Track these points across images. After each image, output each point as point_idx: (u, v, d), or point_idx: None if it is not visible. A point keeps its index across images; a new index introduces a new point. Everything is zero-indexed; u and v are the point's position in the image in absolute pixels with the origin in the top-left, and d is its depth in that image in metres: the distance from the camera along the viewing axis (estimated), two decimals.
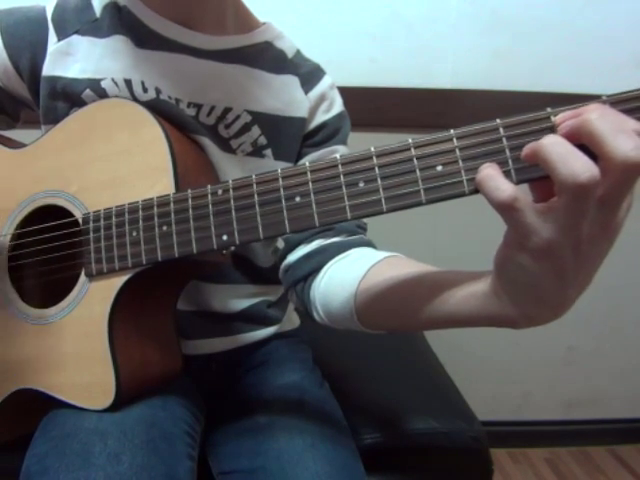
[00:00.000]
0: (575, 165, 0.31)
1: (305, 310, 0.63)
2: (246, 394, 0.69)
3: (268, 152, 0.65)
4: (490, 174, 0.35)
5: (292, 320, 0.81)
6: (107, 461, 0.47)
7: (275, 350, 0.74)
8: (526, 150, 0.35)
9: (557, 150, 0.32)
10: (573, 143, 0.33)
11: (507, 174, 0.36)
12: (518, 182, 0.36)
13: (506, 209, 0.34)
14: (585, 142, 0.32)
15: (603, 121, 0.31)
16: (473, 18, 1.16)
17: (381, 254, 0.56)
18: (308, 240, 0.62)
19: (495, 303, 0.39)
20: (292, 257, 0.64)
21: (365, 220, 0.65)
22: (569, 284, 0.36)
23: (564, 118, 0.34)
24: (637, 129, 0.32)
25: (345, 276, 0.55)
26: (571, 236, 0.33)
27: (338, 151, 0.67)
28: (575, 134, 0.33)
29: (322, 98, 0.67)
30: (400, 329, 0.52)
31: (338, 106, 0.70)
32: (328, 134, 0.67)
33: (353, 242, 0.61)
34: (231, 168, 0.63)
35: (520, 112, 0.36)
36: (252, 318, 0.72)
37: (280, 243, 0.66)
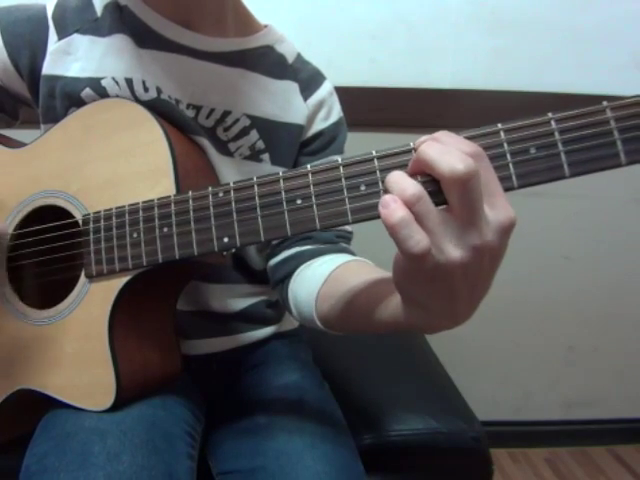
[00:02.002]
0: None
1: (288, 310, 0.65)
2: (246, 394, 0.69)
3: (265, 157, 0.65)
4: (406, 220, 0.34)
5: (292, 320, 0.81)
6: (107, 460, 0.47)
7: (275, 350, 0.75)
8: (410, 163, 0.37)
9: (434, 150, 0.35)
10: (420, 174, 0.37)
11: (508, 179, 0.36)
12: (519, 187, 0.36)
13: (422, 259, 0.34)
14: (426, 171, 0.36)
15: (430, 148, 0.35)
16: (473, 18, 1.16)
17: (343, 259, 0.58)
18: (288, 246, 0.65)
19: (404, 313, 0.41)
20: (273, 261, 0.66)
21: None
22: (456, 304, 0.37)
23: (420, 142, 0.37)
24: (468, 150, 0.34)
25: (309, 280, 0.58)
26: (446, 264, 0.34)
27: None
28: (418, 167, 0.36)
29: (320, 105, 0.68)
30: (351, 333, 0.55)
31: (336, 113, 0.70)
32: (325, 142, 0.68)
33: (326, 250, 0.63)
34: (228, 171, 0.63)
35: (519, 114, 0.36)
36: (251, 318, 0.72)
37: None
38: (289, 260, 0.64)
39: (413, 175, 0.37)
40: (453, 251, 0.34)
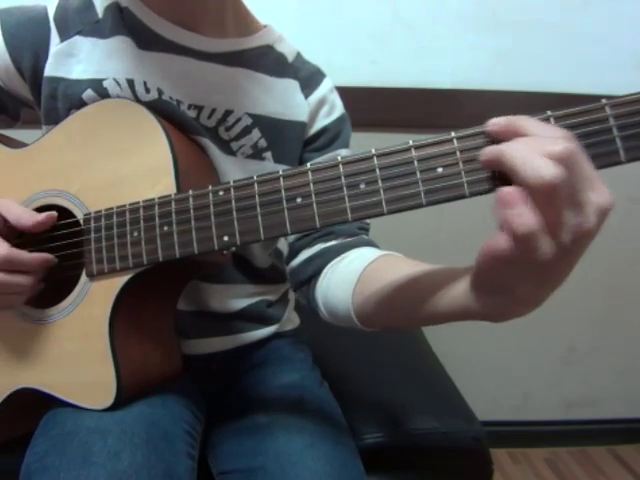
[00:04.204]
0: (538, 164, 0.31)
1: (311, 309, 0.64)
2: (246, 394, 0.69)
3: (268, 155, 0.65)
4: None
5: (292, 320, 0.81)
6: (107, 459, 0.47)
7: (275, 350, 0.75)
8: (484, 156, 0.35)
9: (518, 153, 0.32)
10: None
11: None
12: None
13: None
14: (504, 171, 0.33)
15: (514, 149, 0.33)
16: (473, 18, 1.16)
17: (375, 254, 0.57)
18: (310, 245, 0.64)
19: (474, 301, 0.39)
20: (295, 262, 0.66)
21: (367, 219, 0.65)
22: (551, 286, 0.36)
23: (494, 125, 0.36)
24: (559, 135, 0.33)
25: (342, 278, 0.57)
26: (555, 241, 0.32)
27: (341, 155, 0.68)
28: (494, 164, 0.34)
29: (322, 102, 0.68)
30: (394, 328, 0.54)
31: (338, 109, 0.70)
32: (330, 138, 0.68)
33: (352, 243, 0.62)
34: (231, 170, 0.63)
35: (519, 114, 0.36)
36: (252, 317, 0.72)
37: (284, 248, 0.67)
38: (314, 259, 0.63)
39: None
40: (566, 237, 0.32)
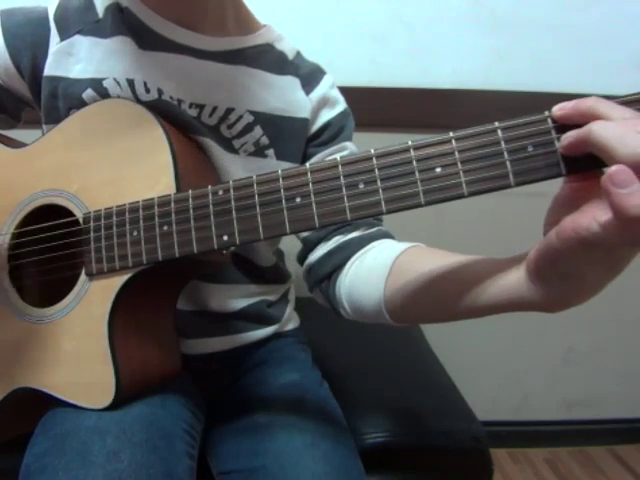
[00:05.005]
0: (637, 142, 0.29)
1: (331, 307, 0.63)
2: (246, 394, 0.69)
3: (270, 152, 0.65)
4: None
5: (292, 320, 0.81)
6: (106, 459, 0.47)
7: (275, 350, 0.75)
8: (569, 139, 0.34)
9: (612, 132, 0.30)
10: (580, 154, 0.33)
11: (505, 177, 0.36)
12: (516, 184, 0.36)
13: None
14: (595, 153, 0.32)
15: (605, 128, 0.31)
16: (473, 18, 1.16)
17: (402, 245, 0.55)
18: (327, 238, 0.63)
19: (530, 290, 0.38)
20: (313, 256, 0.64)
21: None
22: (616, 273, 0.35)
23: (562, 109, 0.34)
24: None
25: (370, 272, 0.55)
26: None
27: (347, 148, 0.68)
28: (581, 145, 0.33)
29: (324, 98, 0.68)
30: (431, 321, 0.52)
31: (341, 104, 0.70)
32: (333, 132, 0.68)
33: (372, 235, 0.61)
34: (234, 168, 0.63)
35: (519, 114, 0.36)
36: (251, 317, 0.72)
37: (285, 248, 0.66)
38: (335, 252, 0.61)
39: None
40: None
